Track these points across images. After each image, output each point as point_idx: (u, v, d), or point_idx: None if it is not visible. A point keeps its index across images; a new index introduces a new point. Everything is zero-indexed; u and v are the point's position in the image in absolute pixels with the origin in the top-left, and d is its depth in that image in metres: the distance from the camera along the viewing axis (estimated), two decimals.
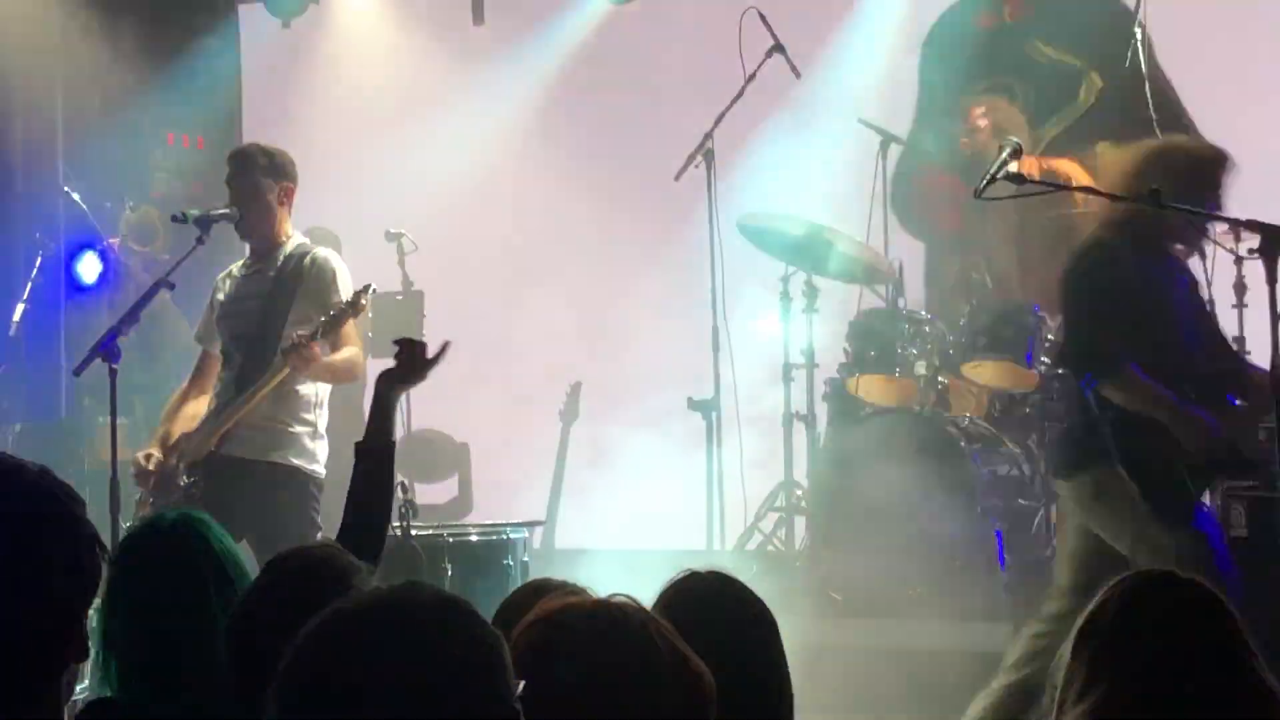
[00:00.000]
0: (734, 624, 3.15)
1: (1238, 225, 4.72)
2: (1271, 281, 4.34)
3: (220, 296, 6.93)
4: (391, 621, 1.98)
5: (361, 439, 4.40)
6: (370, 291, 6.47)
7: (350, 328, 6.55)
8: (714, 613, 3.13)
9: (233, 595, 3.31)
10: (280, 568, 3.14)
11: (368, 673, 1.92)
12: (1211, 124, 9.15)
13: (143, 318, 6.70)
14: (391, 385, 4.42)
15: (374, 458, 4.36)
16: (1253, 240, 4.45)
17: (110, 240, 9.93)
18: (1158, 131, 7.32)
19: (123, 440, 6.60)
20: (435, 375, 4.48)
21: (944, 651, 7.16)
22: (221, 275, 7.01)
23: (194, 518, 3.54)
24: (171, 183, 10.78)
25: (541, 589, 3.19)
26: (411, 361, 4.44)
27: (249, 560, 4.23)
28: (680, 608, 3.10)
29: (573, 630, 2.39)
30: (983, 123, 8.46)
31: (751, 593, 3.20)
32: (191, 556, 3.41)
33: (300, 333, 6.38)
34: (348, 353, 6.59)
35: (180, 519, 3.51)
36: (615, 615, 2.41)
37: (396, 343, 4.49)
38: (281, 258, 6.80)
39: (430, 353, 4.48)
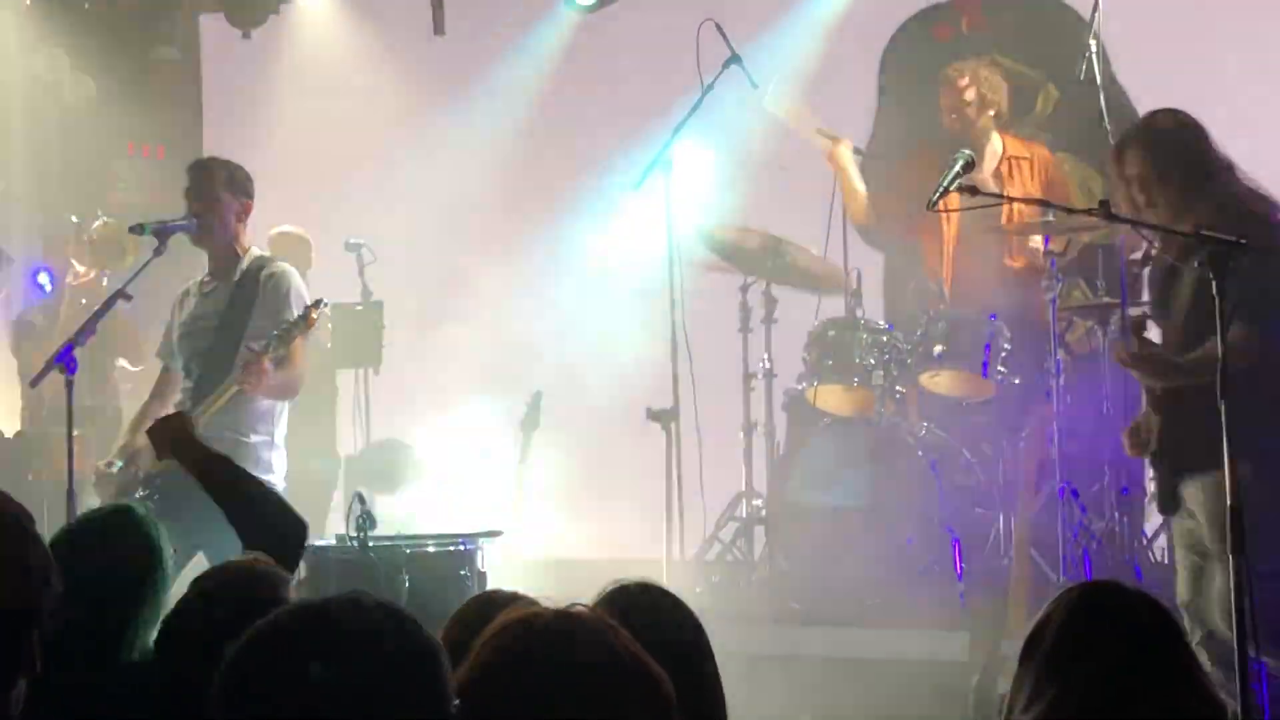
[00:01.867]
0: (664, 633, 3.18)
1: (1187, 238, 4.75)
2: (1220, 293, 4.38)
3: (180, 314, 6.94)
4: (330, 628, 2.00)
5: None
6: (322, 306, 6.48)
7: (297, 343, 6.56)
8: (644, 622, 3.17)
9: (160, 580, 3.36)
10: (210, 580, 3.15)
11: (305, 678, 1.95)
12: None
13: (90, 339, 6.68)
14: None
15: (232, 498, 4.39)
16: (1201, 252, 4.49)
17: (68, 256, 9.85)
18: (1112, 142, 7.34)
19: (79, 452, 6.58)
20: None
21: (901, 660, 7.19)
22: (180, 292, 7.01)
23: (124, 508, 3.58)
24: (132, 193, 10.74)
25: (491, 601, 3.22)
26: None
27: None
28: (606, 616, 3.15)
29: (538, 638, 2.39)
30: (969, 95, 8.41)
31: (680, 601, 3.24)
32: (124, 541, 3.45)
33: (251, 346, 6.39)
34: (292, 372, 6.62)
35: (112, 510, 3.56)
36: (578, 623, 2.42)
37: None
38: (239, 273, 6.82)
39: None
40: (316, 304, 6.42)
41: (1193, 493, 5.43)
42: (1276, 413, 5.26)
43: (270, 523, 4.19)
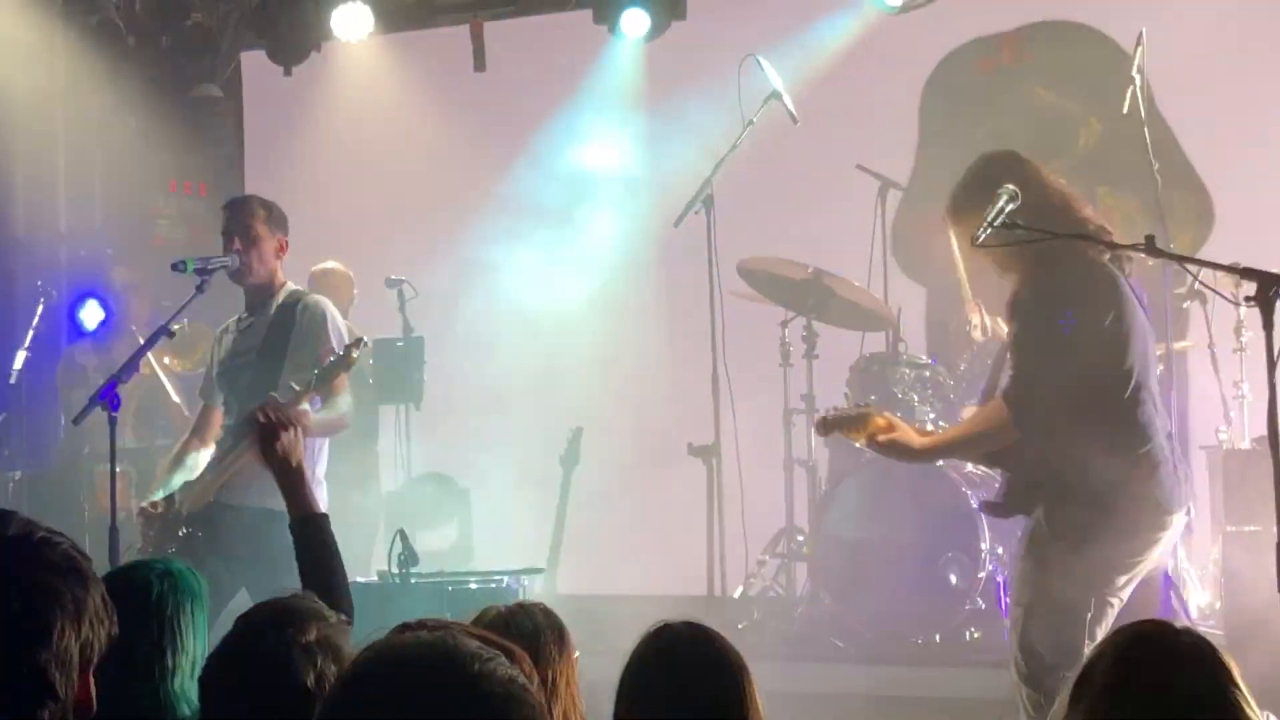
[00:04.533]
0: (703, 671, 3.19)
1: (1234, 272, 4.70)
2: (1268, 328, 4.32)
3: (219, 351, 6.96)
4: (436, 664, 1.99)
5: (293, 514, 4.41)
6: (363, 345, 6.46)
7: (341, 378, 6.56)
8: (684, 661, 3.19)
9: (175, 655, 3.37)
10: (252, 618, 3.14)
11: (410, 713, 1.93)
12: (1211, 168, 9.19)
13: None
14: (268, 462, 4.46)
15: (307, 529, 4.39)
16: (1250, 287, 4.43)
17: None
18: (1157, 176, 7.32)
19: (121, 489, 6.59)
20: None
21: (946, 699, 7.13)
22: (219, 331, 7.03)
23: (170, 570, 3.58)
24: (173, 230, 10.79)
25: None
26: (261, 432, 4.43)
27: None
28: (655, 660, 3.17)
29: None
30: None
31: (725, 641, 3.27)
32: (146, 608, 3.45)
33: (293, 385, 6.40)
34: (338, 406, 6.61)
35: (161, 570, 3.55)
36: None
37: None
38: (274, 308, 6.83)
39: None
40: (357, 343, 6.40)
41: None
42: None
43: (327, 568, 4.21)
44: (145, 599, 3.54)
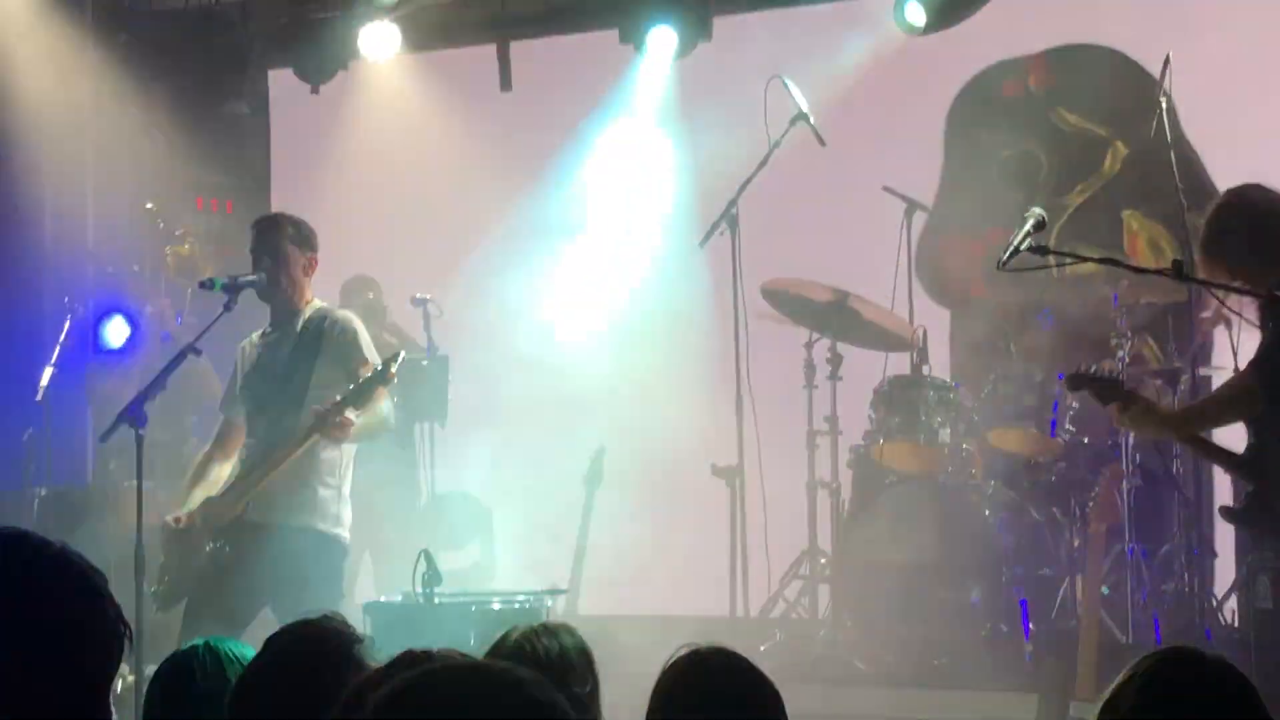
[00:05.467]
0: (737, 700, 3.18)
1: (1260, 297, 4.71)
2: None
3: (243, 365, 6.98)
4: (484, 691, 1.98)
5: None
6: (400, 360, 6.49)
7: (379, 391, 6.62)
8: (717, 689, 3.17)
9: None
10: (281, 641, 3.14)
11: None
12: None
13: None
14: None
15: None
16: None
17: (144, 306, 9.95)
18: (1183, 200, 7.31)
19: (147, 506, 6.62)
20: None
21: None
22: (243, 343, 7.05)
23: (221, 652, 3.55)
24: (200, 248, 10.82)
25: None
26: None
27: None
28: (682, 685, 3.15)
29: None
30: None
31: (753, 666, 3.24)
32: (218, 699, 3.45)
33: (333, 402, 6.41)
34: (379, 410, 6.63)
35: (209, 651, 3.52)
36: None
37: None
38: (300, 323, 6.85)
39: None
40: (395, 357, 6.43)
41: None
42: None
43: None
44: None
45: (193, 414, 9.37)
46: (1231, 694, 2.99)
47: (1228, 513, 5.47)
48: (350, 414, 6.39)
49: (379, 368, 6.48)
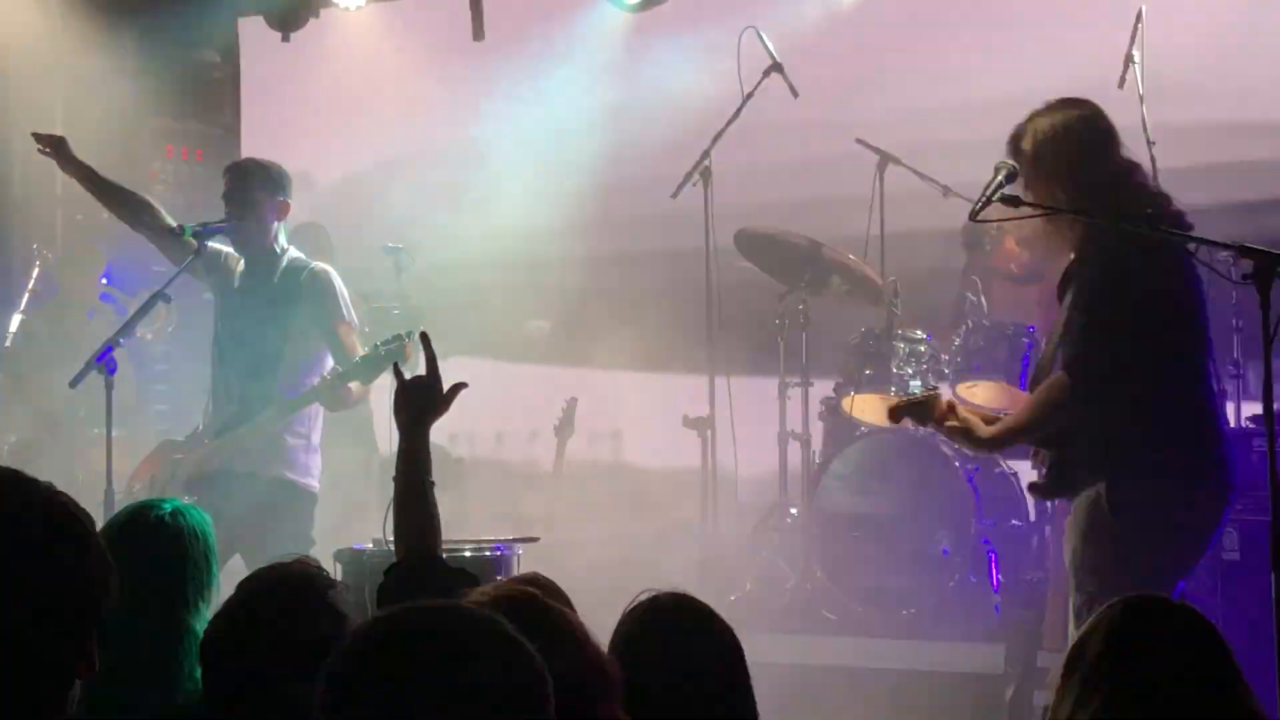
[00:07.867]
0: (695, 647, 3.18)
1: (1230, 250, 4.70)
2: (1264, 307, 4.33)
3: (233, 281, 6.93)
4: (443, 631, 1.99)
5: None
6: (412, 337, 6.33)
7: (354, 340, 6.64)
8: (675, 635, 3.17)
9: (205, 592, 3.36)
10: (256, 583, 3.14)
11: (415, 681, 1.94)
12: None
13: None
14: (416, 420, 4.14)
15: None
16: (1246, 265, 4.44)
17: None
18: (1153, 155, 7.27)
19: (116, 453, 6.60)
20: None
21: (937, 672, 7.17)
22: (224, 255, 6.97)
23: (185, 510, 3.58)
24: (170, 196, 10.76)
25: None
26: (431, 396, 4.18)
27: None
28: (640, 629, 3.15)
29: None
30: None
31: (713, 614, 3.24)
32: (180, 548, 3.46)
33: (337, 374, 6.47)
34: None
35: (174, 511, 3.56)
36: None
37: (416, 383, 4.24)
38: (279, 272, 6.82)
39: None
40: (409, 334, 6.35)
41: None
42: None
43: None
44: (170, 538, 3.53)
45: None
46: (1198, 641, 3.02)
47: (1035, 488, 5.44)
48: (355, 386, 6.45)
49: (393, 343, 6.41)
